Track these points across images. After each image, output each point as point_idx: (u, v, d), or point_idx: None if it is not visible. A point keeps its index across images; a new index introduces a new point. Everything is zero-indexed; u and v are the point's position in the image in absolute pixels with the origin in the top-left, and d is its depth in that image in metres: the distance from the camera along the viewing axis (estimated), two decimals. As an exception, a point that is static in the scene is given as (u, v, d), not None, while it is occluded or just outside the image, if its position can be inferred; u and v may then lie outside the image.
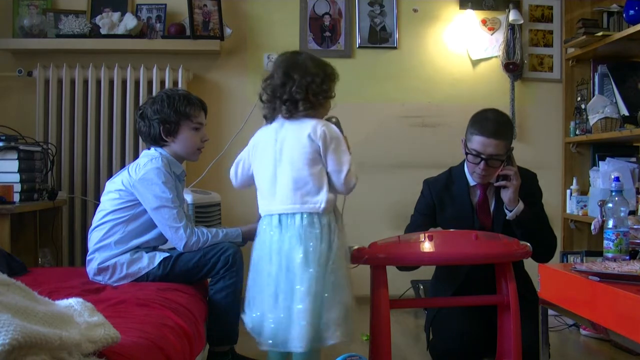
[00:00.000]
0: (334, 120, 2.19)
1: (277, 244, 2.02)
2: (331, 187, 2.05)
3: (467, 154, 2.48)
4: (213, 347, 2.39)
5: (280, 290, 2.00)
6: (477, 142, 2.43)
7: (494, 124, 2.44)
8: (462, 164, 2.60)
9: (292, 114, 2.07)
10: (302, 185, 2.02)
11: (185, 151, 2.46)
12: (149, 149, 2.49)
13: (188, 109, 2.42)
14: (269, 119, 2.14)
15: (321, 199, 2.02)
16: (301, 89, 2.04)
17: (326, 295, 1.98)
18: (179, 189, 2.45)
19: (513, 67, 3.92)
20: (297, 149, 2.03)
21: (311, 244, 1.99)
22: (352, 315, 2.01)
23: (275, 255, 2.02)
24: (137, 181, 2.33)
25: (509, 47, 3.93)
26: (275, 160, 2.08)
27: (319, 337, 1.97)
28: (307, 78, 2.05)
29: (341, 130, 2.19)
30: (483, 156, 2.42)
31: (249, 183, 2.19)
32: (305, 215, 2.01)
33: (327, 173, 2.04)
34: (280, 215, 2.04)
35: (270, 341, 2.00)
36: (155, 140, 2.44)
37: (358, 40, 3.90)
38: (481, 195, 2.55)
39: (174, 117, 2.40)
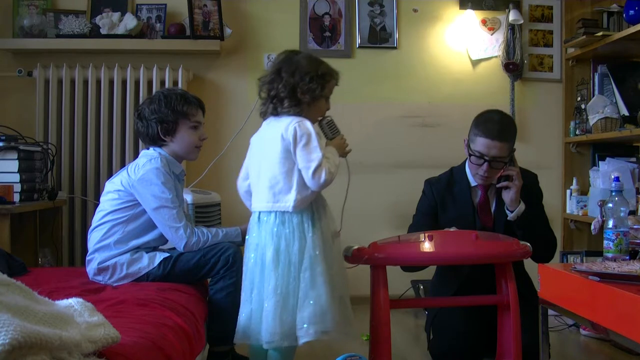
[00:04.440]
0: (327, 119, 2.20)
1: (255, 239, 2.10)
2: (305, 185, 2.06)
3: (470, 155, 2.48)
4: (213, 347, 2.38)
5: (254, 285, 2.07)
6: (481, 143, 2.42)
7: (498, 125, 2.43)
8: (463, 164, 2.60)
9: (277, 112, 2.10)
10: (274, 184, 2.07)
11: (184, 150, 2.46)
12: (147, 149, 2.49)
13: (185, 107, 2.42)
14: (262, 116, 2.19)
15: (291, 198, 2.05)
16: (286, 87, 2.07)
17: (300, 294, 2.01)
18: (179, 188, 2.45)
19: (513, 67, 3.92)
20: (272, 148, 2.08)
21: (282, 243, 2.04)
22: (331, 312, 2.01)
23: (253, 251, 2.10)
24: (136, 181, 2.33)
25: (509, 47, 3.93)
26: (260, 158, 2.14)
27: (293, 335, 2.00)
28: (295, 77, 2.08)
29: (337, 130, 2.21)
30: (486, 158, 2.42)
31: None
32: (278, 214, 2.06)
33: (299, 170, 2.06)
34: (260, 212, 2.11)
35: (242, 333, 2.06)
36: (154, 140, 2.44)
37: (358, 40, 3.90)
38: (482, 195, 2.54)
39: (172, 116, 2.40)
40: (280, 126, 2.07)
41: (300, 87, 2.07)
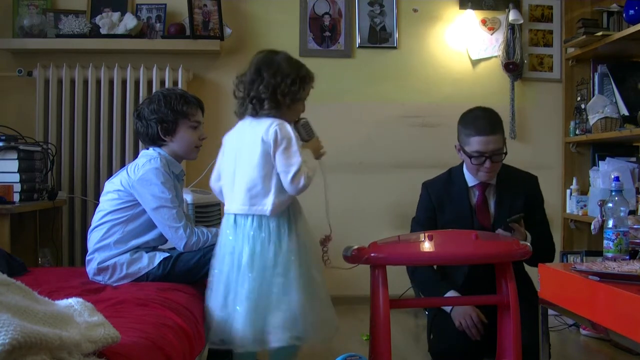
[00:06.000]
0: (303, 121, 2.19)
1: (231, 243, 2.07)
2: (282, 190, 2.05)
3: (469, 157, 2.47)
4: (213, 346, 2.38)
5: (230, 289, 2.04)
6: (477, 142, 2.43)
7: (486, 120, 2.47)
8: (461, 165, 2.60)
9: (257, 113, 2.08)
10: (252, 187, 2.05)
11: (184, 150, 2.46)
12: (147, 149, 2.49)
13: (185, 107, 2.42)
14: (239, 116, 2.16)
15: (268, 202, 2.04)
16: (268, 88, 2.06)
17: (272, 298, 2.00)
18: (178, 188, 2.45)
19: (513, 67, 3.92)
20: (250, 150, 2.06)
21: (258, 246, 2.02)
22: (303, 318, 2.01)
23: (228, 255, 2.07)
24: (135, 181, 2.33)
25: (509, 47, 3.93)
26: (235, 160, 2.11)
27: (264, 340, 1.99)
28: (277, 78, 2.06)
29: (312, 132, 2.21)
30: (487, 155, 2.43)
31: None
32: (255, 218, 2.04)
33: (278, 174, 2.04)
34: (235, 215, 2.08)
35: (218, 339, 2.04)
36: (154, 140, 2.44)
37: (358, 40, 3.90)
38: (480, 195, 2.54)
39: (172, 116, 2.40)
40: (259, 128, 2.05)
41: (281, 88, 2.06)
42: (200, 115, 2.51)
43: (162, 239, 2.41)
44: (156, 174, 2.32)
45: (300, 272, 2.03)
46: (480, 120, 2.46)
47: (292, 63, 2.12)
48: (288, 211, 2.09)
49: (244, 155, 2.08)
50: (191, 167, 3.51)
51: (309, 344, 2.08)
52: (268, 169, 2.04)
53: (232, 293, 2.04)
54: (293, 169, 2.01)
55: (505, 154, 2.49)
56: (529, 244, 2.17)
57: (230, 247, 2.07)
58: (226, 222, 2.11)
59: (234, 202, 2.10)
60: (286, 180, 2.02)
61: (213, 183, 2.28)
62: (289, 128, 2.06)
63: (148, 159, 2.38)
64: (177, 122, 2.42)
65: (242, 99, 2.12)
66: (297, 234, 2.08)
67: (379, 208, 3.86)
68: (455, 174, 2.61)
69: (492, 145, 2.43)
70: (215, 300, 2.08)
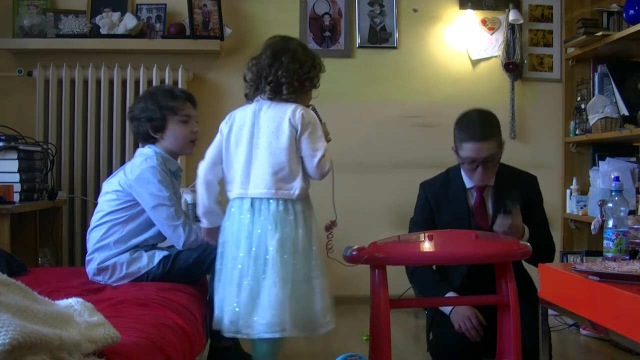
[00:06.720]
0: (310, 107, 2.20)
1: (248, 228, 2.02)
2: (305, 174, 2.06)
3: (462, 162, 2.46)
4: (215, 342, 2.37)
5: (245, 275, 2.00)
6: (469, 149, 2.40)
7: (480, 126, 2.42)
8: (459, 165, 2.59)
9: (274, 97, 2.08)
10: (278, 171, 2.03)
11: (177, 146, 2.46)
12: (143, 146, 2.49)
13: (172, 103, 2.43)
14: (250, 98, 2.16)
15: (295, 186, 2.03)
16: (288, 73, 2.07)
17: (313, 282, 2.00)
18: (176, 185, 2.45)
19: (513, 67, 3.92)
20: (275, 134, 2.04)
21: (286, 230, 2.00)
22: (330, 306, 2.04)
23: (245, 239, 2.02)
24: (133, 181, 2.34)
25: (509, 47, 3.93)
26: (251, 143, 2.08)
27: (305, 325, 1.97)
28: (295, 63, 2.08)
29: (320, 118, 2.21)
30: (478, 162, 2.41)
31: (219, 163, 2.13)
32: (280, 202, 2.02)
33: (301, 158, 2.05)
34: (253, 199, 2.04)
35: (233, 327, 2.00)
36: (146, 139, 2.45)
37: (358, 40, 3.90)
38: (478, 197, 2.53)
39: (159, 113, 2.41)
40: (282, 112, 2.05)
41: (299, 74, 2.08)
42: (191, 109, 2.49)
43: (160, 236, 2.41)
44: (153, 172, 2.33)
45: (321, 259, 2.04)
46: (474, 125, 2.42)
47: (307, 51, 2.16)
48: (308, 197, 2.10)
49: (266, 140, 2.05)
50: (191, 166, 3.51)
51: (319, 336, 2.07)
52: (294, 152, 2.04)
53: (249, 278, 1.99)
54: (319, 154, 2.03)
55: (499, 160, 2.46)
56: (528, 243, 2.17)
57: (246, 231, 2.02)
58: (239, 206, 2.05)
59: (250, 186, 2.05)
60: (312, 164, 2.03)
61: (208, 168, 2.14)
62: (312, 113, 2.08)
63: (144, 157, 2.38)
64: (166, 118, 2.42)
65: (255, 82, 2.13)
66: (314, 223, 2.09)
67: (379, 208, 3.86)
68: (452, 174, 2.60)
69: (484, 152, 2.38)
70: (229, 288, 2.03)
